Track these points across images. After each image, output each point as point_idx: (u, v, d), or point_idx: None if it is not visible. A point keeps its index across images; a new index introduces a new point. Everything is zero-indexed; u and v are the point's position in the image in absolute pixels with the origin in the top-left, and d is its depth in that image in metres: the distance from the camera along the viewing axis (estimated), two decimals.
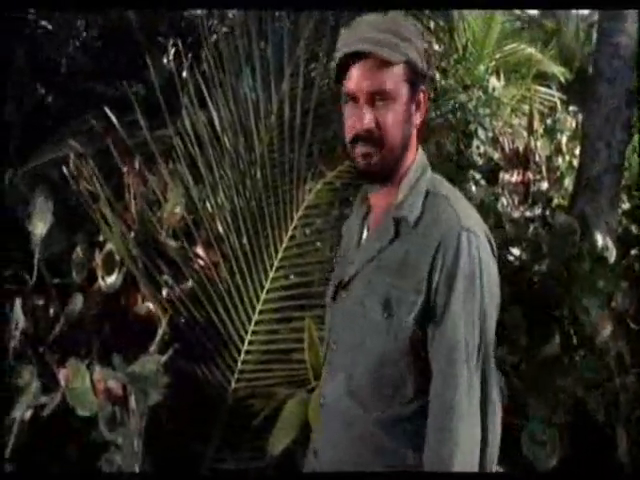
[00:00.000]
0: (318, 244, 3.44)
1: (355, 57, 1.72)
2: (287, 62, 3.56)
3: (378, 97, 1.71)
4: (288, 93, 3.50)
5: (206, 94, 3.51)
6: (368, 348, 1.75)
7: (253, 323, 3.24)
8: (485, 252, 1.72)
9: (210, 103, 3.50)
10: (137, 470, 2.85)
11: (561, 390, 3.50)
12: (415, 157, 1.83)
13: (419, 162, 1.83)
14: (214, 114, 3.47)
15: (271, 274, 3.26)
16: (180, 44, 4.40)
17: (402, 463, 1.74)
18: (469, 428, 1.70)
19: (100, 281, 3.48)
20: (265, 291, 3.26)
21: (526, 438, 3.36)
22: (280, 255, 3.28)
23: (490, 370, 1.75)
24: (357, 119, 1.73)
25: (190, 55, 3.89)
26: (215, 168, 3.34)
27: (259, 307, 3.25)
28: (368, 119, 1.71)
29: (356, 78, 1.72)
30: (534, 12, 10.88)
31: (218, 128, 3.44)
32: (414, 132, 1.81)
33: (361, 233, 1.91)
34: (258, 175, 3.34)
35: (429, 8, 6.04)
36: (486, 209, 4.71)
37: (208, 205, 3.31)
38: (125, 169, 3.55)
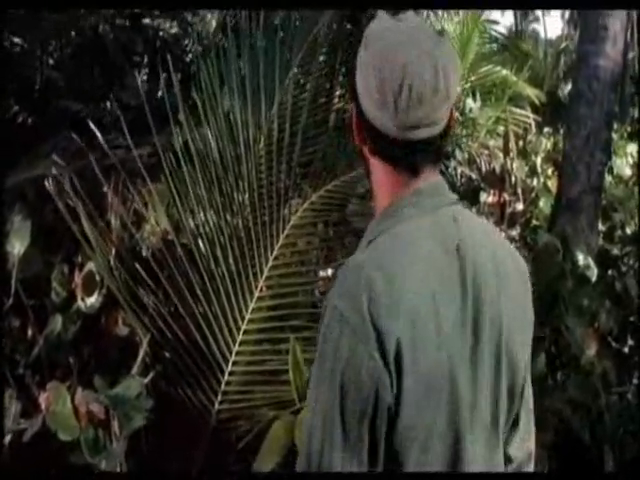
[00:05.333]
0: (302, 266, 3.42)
1: None
2: (278, 84, 3.56)
3: None
4: (277, 114, 3.49)
5: (179, 115, 3.47)
6: None
7: (237, 344, 3.19)
8: None
9: (187, 123, 3.46)
10: None
11: (547, 410, 3.47)
12: None
13: None
14: (204, 136, 3.44)
15: (256, 294, 3.21)
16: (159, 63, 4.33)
17: None
18: None
19: (80, 302, 3.41)
20: (250, 311, 3.21)
21: None
22: (265, 275, 3.24)
23: None
24: None
25: (165, 75, 3.85)
26: (201, 188, 3.29)
27: (244, 327, 3.19)
28: None
29: None
30: (509, 34, 11.02)
31: (206, 150, 3.41)
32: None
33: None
34: (245, 196, 3.31)
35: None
36: None
37: (192, 224, 3.25)
38: (106, 188, 3.49)
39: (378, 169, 1.56)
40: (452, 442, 1.46)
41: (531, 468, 1.75)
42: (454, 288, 1.47)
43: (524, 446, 1.72)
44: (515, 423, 1.67)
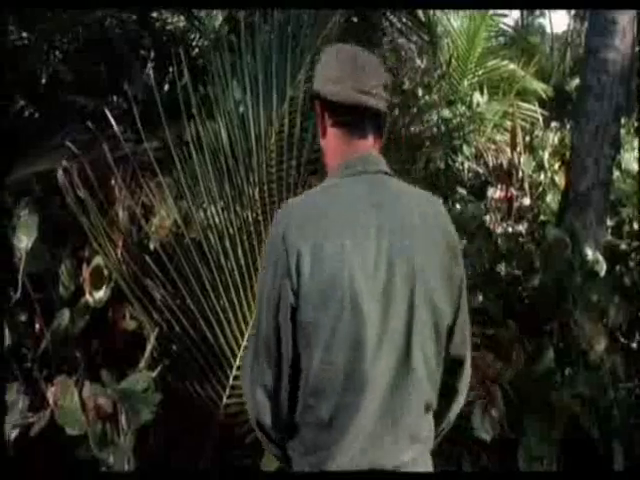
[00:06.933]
0: None
1: None
2: (289, 80, 3.55)
3: None
4: (288, 109, 3.48)
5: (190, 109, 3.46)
6: None
7: (246, 338, 3.17)
8: None
9: (198, 116, 3.44)
10: None
11: (556, 405, 3.46)
12: None
13: None
14: (214, 128, 3.43)
15: None
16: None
17: None
18: None
19: (87, 296, 3.40)
20: None
21: (522, 453, 3.31)
22: None
23: None
24: None
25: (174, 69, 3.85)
26: (212, 180, 3.28)
27: (252, 322, 3.18)
28: None
29: None
30: (517, 28, 10.97)
31: (218, 142, 3.40)
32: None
33: None
34: (255, 190, 3.29)
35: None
36: (477, 223, 4.69)
37: (201, 216, 3.24)
38: (114, 181, 3.48)
39: (333, 141, 1.96)
40: (355, 350, 1.77)
41: (463, 401, 2.08)
42: (369, 233, 1.80)
43: (467, 382, 2.06)
44: (459, 363, 2.00)
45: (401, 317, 1.80)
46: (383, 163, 1.94)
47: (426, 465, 1.92)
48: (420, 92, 7.46)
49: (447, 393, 1.98)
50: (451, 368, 1.96)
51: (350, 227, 1.80)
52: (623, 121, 8.35)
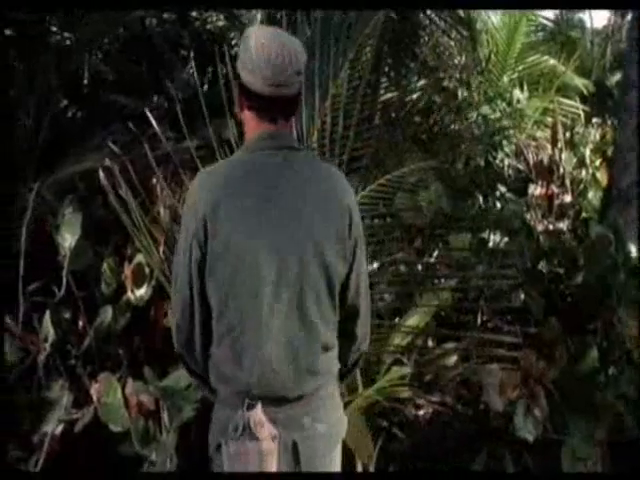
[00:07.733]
0: None
1: None
2: (332, 77, 3.55)
3: None
4: (330, 107, 3.48)
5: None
6: None
7: None
8: None
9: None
10: None
11: (600, 405, 3.41)
12: None
13: None
14: None
15: None
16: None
17: None
18: None
19: (129, 294, 3.44)
20: None
21: (567, 454, 3.28)
22: None
23: None
24: None
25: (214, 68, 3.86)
26: None
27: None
28: None
29: None
30: (557, 22, 10.83)
31: None
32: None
33: None
34: None
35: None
36: (518, 221, 4.66)
37: None
38: (155, 180, 3.50)
39: (248, 119, 2.16)
40: (253, 298, 2.04)
41: (366, 346, 2.35)
42: (268, 199, 2.07)
43: (365, 331, 2.32)
44: (355, 311, 2.25)
45: (294, 272, 2.05)
46: (290, 139, 2.20)
47: (332, 397, 2.21)
48: (459, 91, 7.41)
49: (347, 337, 2.26)
50: (348, 316, 2.23)
51: (251, 194, 2.07)
52: None
